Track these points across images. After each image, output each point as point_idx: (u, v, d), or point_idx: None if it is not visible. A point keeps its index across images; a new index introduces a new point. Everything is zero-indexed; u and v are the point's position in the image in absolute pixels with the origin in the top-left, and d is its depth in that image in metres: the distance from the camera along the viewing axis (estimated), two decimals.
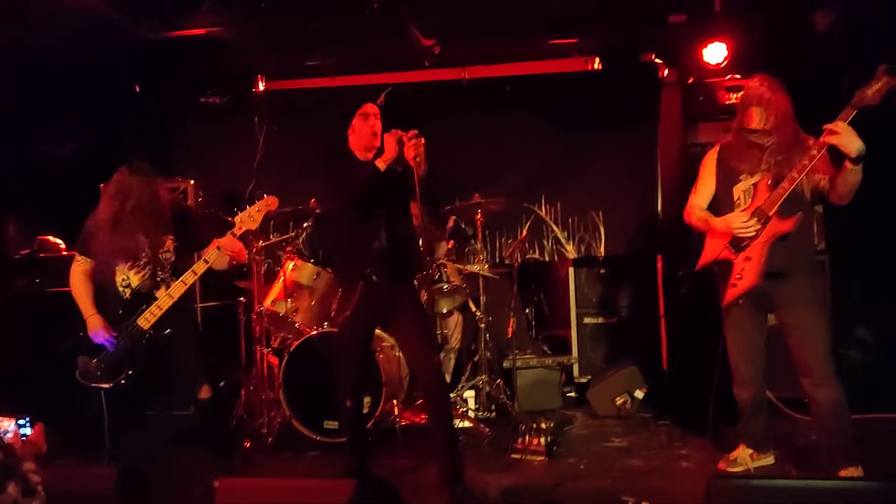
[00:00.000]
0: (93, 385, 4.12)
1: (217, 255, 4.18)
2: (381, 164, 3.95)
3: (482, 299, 5.56)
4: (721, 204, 3.95)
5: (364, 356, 4.34)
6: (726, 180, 3.93)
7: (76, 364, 4.19)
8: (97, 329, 4.12)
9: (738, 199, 3.87)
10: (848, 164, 3.52)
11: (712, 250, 3.95)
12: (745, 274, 3.75)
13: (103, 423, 4.15)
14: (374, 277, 4.07)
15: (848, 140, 3.47)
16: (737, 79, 5.45)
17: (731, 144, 3.95)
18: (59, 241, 6.05)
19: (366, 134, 4.14)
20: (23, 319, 5.63)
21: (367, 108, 4.19)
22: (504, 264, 6.27)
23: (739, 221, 3.77)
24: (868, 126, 3.53)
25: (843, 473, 3.70)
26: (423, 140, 3.96)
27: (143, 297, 4.19)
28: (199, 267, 4.16)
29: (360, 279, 4.08)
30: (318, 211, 5.45)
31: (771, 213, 3.69)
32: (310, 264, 5.36)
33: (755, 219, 3.72)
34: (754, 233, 3.73)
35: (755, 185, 3.79)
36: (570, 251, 6.39)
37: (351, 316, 4.14)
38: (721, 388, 4.17)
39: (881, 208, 4.94)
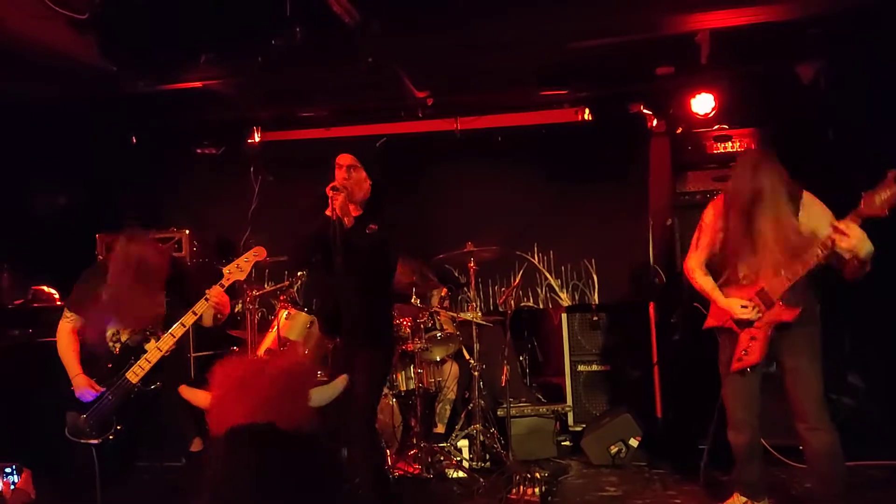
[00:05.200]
0: (82, 441, 4.09)
1: (205, 307, 4.19)
2: (330, 214, 3.97)
3: (476, 347, 5.56)
4: (725, 271, 3.94)
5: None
6: (731, 251, 3.88)
7: (65, 419, 4.16)
8: (83, 389, 4.10)
9: (744, 275, 3.84)
10: (856, 262, 3.55)
11: (718, 316, 3.97)
12: (751, 351, 3.80)
13: (94, 475, 4.11)
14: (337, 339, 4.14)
15: (859, 246, 3.48)
16: (724, 128, 5.54)
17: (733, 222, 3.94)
18: (53, 291, 6.06)
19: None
20: (15, 369, 5.60)
21: (339, 159, 4.18)
22: (497, 312, 6.28)
23: (740, 311, 3.81)
24: None
25: None
26: (341, 193, 3.96)
27: (133, 351, 4.18)
28: (188, 319, 4.17)
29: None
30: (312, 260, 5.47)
31: (776, 299, 3.73)
32: (304, 313, 5.38)
33: (758, 300, 3.75)
34: (755, 318, 3.77)
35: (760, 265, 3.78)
36: (564, 299, 6.41)
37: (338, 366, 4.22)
38: (715, 437, 4.17)
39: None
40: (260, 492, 2.97)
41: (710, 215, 4.07)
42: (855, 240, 3.45)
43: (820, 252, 3.60)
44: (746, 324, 3.82)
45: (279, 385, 3.11)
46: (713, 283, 4.00)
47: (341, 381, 3.45)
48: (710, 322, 4.03)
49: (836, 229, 3.51)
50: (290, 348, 5.00)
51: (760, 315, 3.76)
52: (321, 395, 3.31)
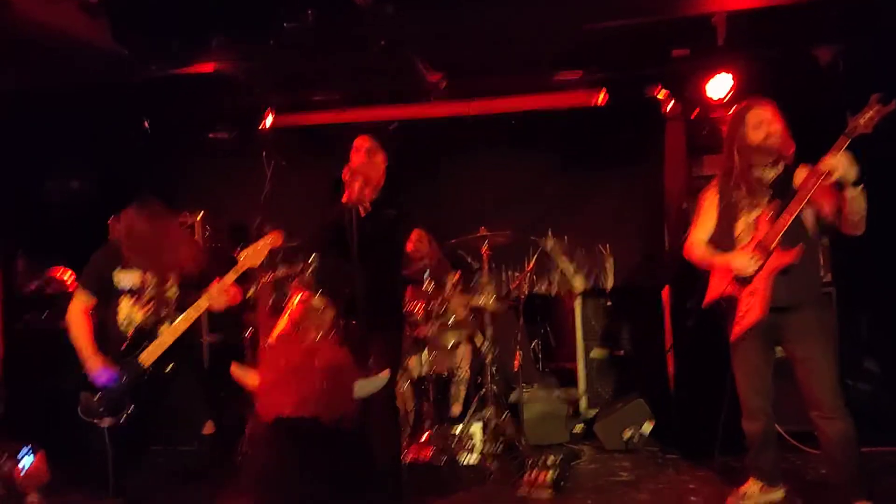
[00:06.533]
0: (94, 421, 4.11)
1: (219, 291, 4.19)
2: (346, 201, 3.94)
3: (488, 332, 5.55)
4: (722, 239, 3.95)
5: None
6: (727, 215, 3.93)
7: (78, 399, 4.18)
8: (97, 370, 4.11)
9: (740, 234, 3.86)
10: (848, 192, 3.53)
11: (717, 286, 3.94)
12: (751, 308, 3.74)
13: (107, 458, 4.13)
14: (346, 322, 4.11)
15: (846, 171, 3.49)
16: None
17: (731, 178, 3.95)
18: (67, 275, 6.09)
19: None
20: (30, 354, 5.65)
21: (357, 142, 4.15)
22: (510, 297, 6.27)
23: (740, 261, 3.77)
24: (870, 157, 3.56)
25: None
26: (358, 178, 3.92)
27: (146, 334, 4.18)
28: (202, 303, 4.16)
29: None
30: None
31: (772, 247, 3.69)
32: (317, 298, 5.36)
33: (757, 253, 3.72)
34: (754, 271, 3.73)
35: (756, 219, 3.79)
36: (578, 284, 6.38)
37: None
38: (728, 422, 4.14)
39: (885, 240, 4.93)
40: (296, 481, 3.01)
41: (707, 195, 4.10)
42: (841, 168, 3.48)
43: (813, 182, 3.60)
44: (747, 280, 3.78)
45: (328, 379, 3.13)
46: (711, 250, 3.99)
47: (385, 375, 3.47)
48: (710, 295, 3.98)
49: (822, 165, 3.56)
50: (333, 338, 4.99)
51: (760, 265, 3.73)
52: (364, 387, 3.33)
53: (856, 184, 3.50)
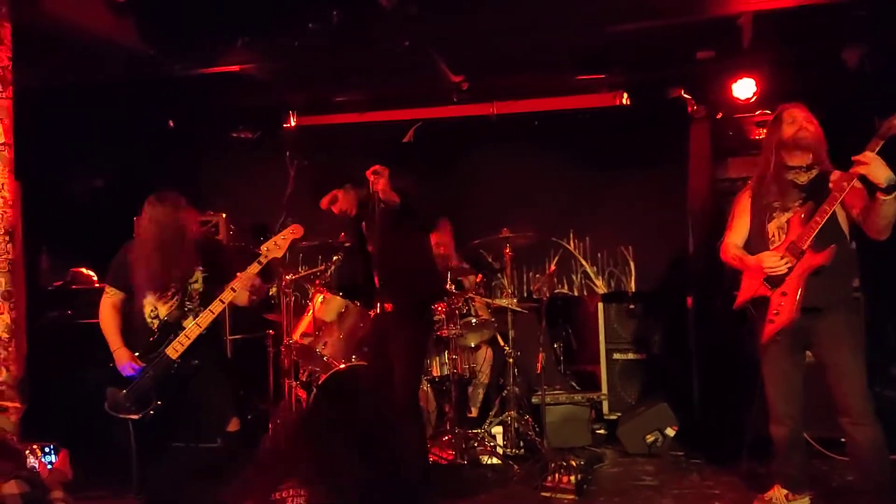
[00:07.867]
0: (121, 416, 4.13)
1: (243, 284, 4.20)
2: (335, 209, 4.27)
3: (510, 334, 5.53)
4: (755, 241, 3.91)
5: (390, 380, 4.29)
6: (760, 217, 3.89)
7: (105, 395, 4.20)
8: (124, 362, 4.13)
9: (773, 235, 3.83)
10: (879, 196, 3.48)
11: (749, 288, 3.89)
12: (782, 309, 3.70)
13: (131, 454, 4.14)
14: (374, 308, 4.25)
15: (876, 169, 3.43)
16: (766, 114, 5.43)
17: (764, 180, 3.91)
18: (91, 273, 6.13)
19: None
20: (54, 350, 5.68)
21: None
22: (532, 299, 6.24)
23: (771, 261, 3.73)
24: None
25: None
26: (384, 171, 3.97)
27: (171, 327, 4.20)
28: (226, 296, 4.17)
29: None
30: (347, 244, 5.47)
31: (804, 247, 3.65)
32: (338, 297, 5.37)
33: (789, 254, 3.68)
34: (786, 270, 3.69)
35: (788, 220, 3.76)
36: (600, 286, 6.35)
37: (372, 342, 4.44)
38: (753, 427, 4.10)
39: None
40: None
41: (742, 198, 4.07)
42: (872, 165, 3.43)
43: (846, 184, 3.56)
44: (778, 282, 3.74)
45: None
46: (743, 251, 3.95)
47: None
48: (741, 297, 3.94)
49: (854, 160, 3.51)
50: None
51: (791, 266, 3.69)
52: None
53: (887, 190, 3.46)
